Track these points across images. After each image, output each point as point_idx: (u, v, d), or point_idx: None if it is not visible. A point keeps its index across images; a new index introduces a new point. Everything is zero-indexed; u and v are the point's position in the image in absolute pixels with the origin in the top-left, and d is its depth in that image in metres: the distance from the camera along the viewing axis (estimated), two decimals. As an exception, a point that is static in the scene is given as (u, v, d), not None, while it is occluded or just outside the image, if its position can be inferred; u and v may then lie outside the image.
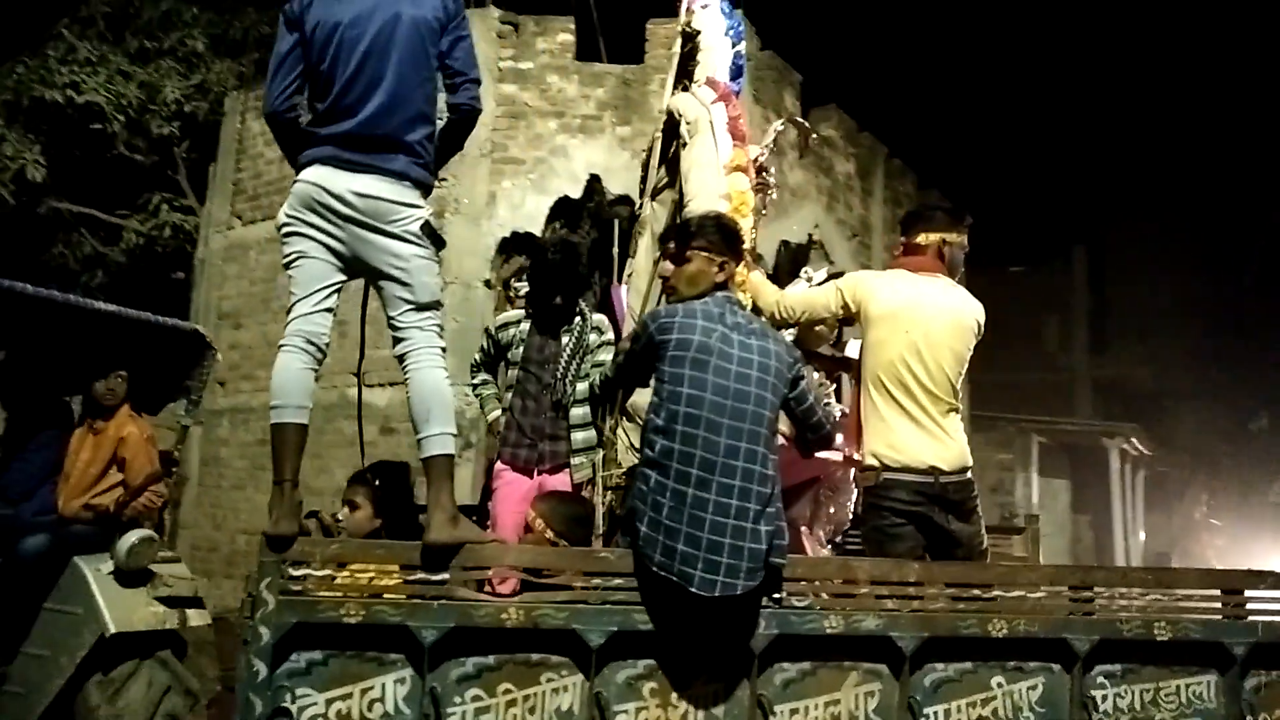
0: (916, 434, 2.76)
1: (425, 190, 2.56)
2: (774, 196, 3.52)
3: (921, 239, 2.94)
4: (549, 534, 2.75)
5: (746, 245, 3.16)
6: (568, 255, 3.33)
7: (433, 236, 2.52)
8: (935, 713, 2.57)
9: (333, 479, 7.47)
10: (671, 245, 2.57)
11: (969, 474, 2.86)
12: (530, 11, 8.68)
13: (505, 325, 3.58)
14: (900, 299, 2.82)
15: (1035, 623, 2.60)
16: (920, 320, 2.79)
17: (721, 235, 2.54)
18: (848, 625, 2.50)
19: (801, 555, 2.84)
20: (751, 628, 2.43)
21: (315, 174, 2.45)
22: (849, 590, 2.53)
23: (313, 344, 2.44)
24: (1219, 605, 2.76)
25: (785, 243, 8.72)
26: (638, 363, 2.52)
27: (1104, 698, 2.67)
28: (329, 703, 2.34)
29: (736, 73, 3.31)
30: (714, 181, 2.91)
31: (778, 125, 3.65)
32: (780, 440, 2.76)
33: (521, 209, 7.90)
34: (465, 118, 2.61)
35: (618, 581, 2.43)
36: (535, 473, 3.31)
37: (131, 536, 3.58)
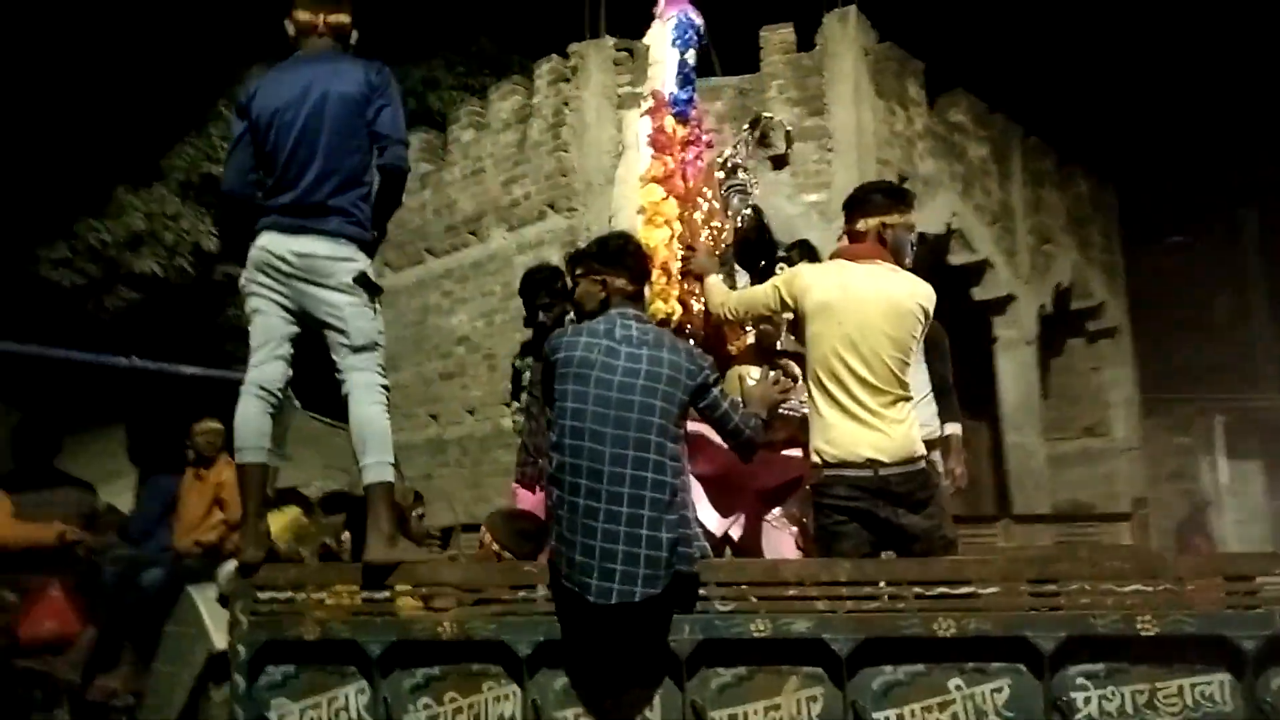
0: (853, 427, 2.64)
1: (361, 244, 2.80)
2: (755, 193, 3.48)
3: (860, 225, 2.82)
4: (495, 547, 2.90)
5: (702, 246, 3.18)
6: (547, 275, 3.48)
7: (368, 285, 2.77)
8: (886, 718, 2.46)
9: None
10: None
11: (919, 464, 2.69)
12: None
13: (523, 353, 3.79)
14: (834, 291, 2.71)
15: (987, 620, 2.43)
16: (853, 311, 2.68)
17: (601, 256, 2.59)
18: (776, 628, 2.46)
19: (757, 558, 2.78)
20: (667, 634, 2.45)
21: (263, 240, 2.77)
22: (777, 593, 2.49)
23: (267, 390, 2.75)
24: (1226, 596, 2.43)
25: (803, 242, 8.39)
26: (544, 384, 2.62)
27: (1085, 700, 2.43)
28: (302, 712, 2.63)
29: (685, 81, 3.30)
30: (631, 196, 2.94)
31: (745, 128, 3.58)
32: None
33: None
34: (392, 177, 2.84)
35: (542, 593, 2.54)
36: (536, 489, 3.47)
37: (228, 566, 4.11)
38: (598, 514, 2.37)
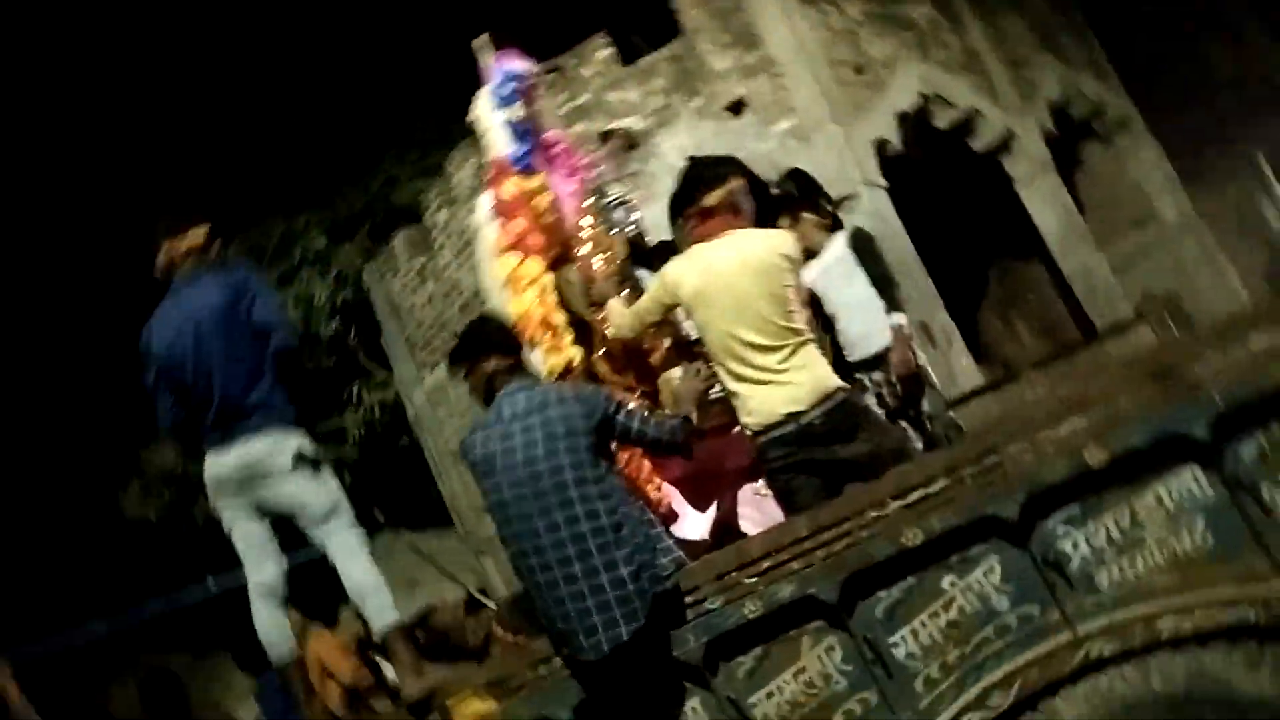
0: (765, 391, 2.72)
1: (287, 425, 3.04)
2: (633, 201, 3.57)
3: (708, 201, 2.91)
4: (509, 638, 3.08)
5: (598, 274, 3.31)
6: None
7: (309, 459, 3.01)
8: (903, 638, 2.52)
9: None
10: None
11: (836, 397, 2.75)
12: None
13: None
14: (700, 276, 2.80)
15: (948, 513, 2.47)
16: (724, 288, 2.76)
17: (464, 349, 2.75)
18: (767, 603, 2.55)
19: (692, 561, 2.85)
20: (673, 651, 2.57)
21: (207, 463, 3.04)
22: (747, 573, 2.58)
23: (271, 589, 3.01)
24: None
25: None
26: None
27: (1074, 546, 2.45)
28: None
29: (520, 134, 3.42)
30: (490, 273, 3.08)
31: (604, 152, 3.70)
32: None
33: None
34: (286, 357, 3.07)
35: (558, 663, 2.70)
36: None
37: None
38: (557, 585, 2.51)
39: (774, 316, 2.75)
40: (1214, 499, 2.37)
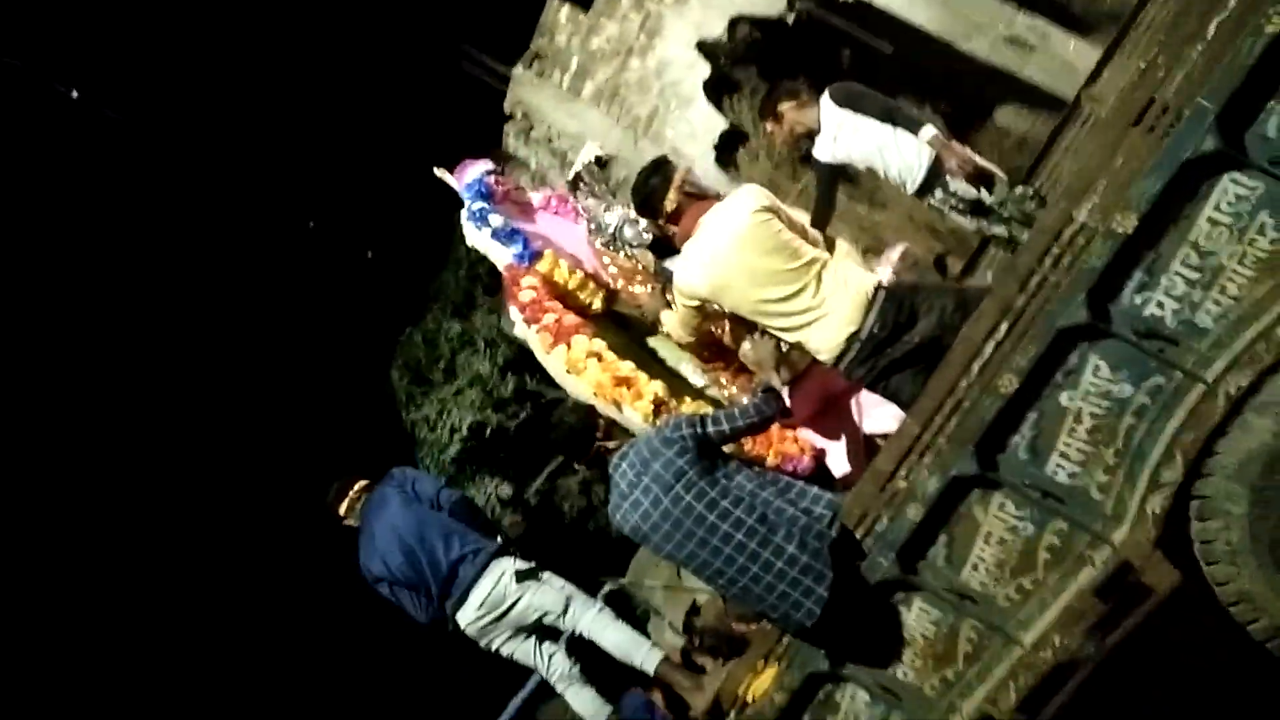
0: (814, 330, 2.84)
1: (491, 553, 3.56)
2: (620, 207, 3.73)
3: (668, 204, 3.04)
4: (749, 626, 3.36)
5: (641, 298, 3.54)
6: None
7: (524, 571, 3.51)
8: (1056, 465, 2.60)
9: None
10: None
11: (876, 295, 2.82)
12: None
13: None
14: (703, 271, 2.94)
15: (1028, 344, 2.50)
16: (728, 271, 2.89)
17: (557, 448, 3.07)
18: (924, 500, 2.71)
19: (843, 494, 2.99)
20: (872, 584, 2.80)
21: (461, 622, 3.60)
22: (891, 488, 2.74)
23: (570, 676, 3.54)
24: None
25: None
26: None
27: (1159, 306, 2.41)
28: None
29: (509, 234, 3.64)
30: (553, 371, 3.35)
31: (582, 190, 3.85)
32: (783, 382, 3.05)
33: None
34: (461, 503, 3.82)
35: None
36: None
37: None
38: (750, 590, 2.76)
39: (785, 265, 2.85)
40: (1264, 190, 2.25)
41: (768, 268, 2.86)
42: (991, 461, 2.64)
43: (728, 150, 7.00)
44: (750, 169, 6.93)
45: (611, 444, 3.16)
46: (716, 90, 7.04)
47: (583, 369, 3.19)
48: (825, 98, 4.08)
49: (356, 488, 3.80)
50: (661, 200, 3.05)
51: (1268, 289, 2.30)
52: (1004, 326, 2.52)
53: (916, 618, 2.86)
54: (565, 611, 3.45)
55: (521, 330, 3.44)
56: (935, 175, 3.99)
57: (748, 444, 3.17)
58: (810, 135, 4.08)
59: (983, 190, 3.99)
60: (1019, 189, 3.94)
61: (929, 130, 3.86)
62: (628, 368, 3.21)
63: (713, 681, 3.26)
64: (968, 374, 2.59)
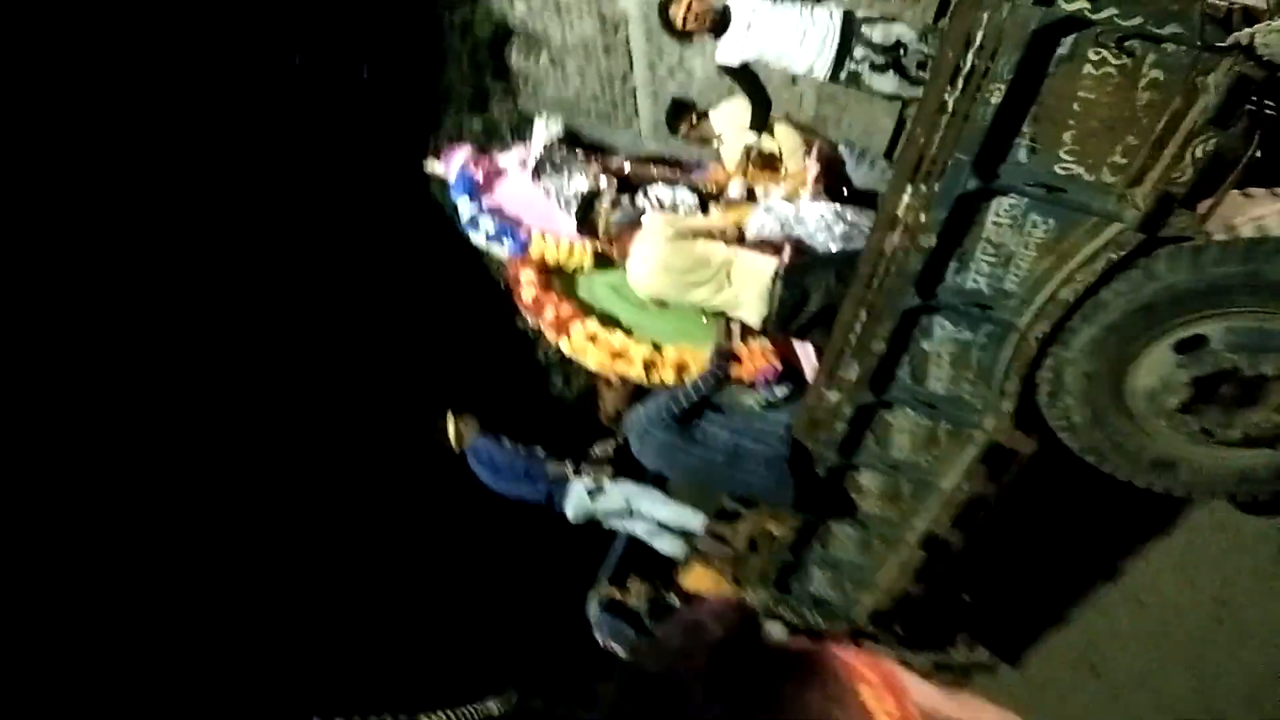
0: (741, 314, 3.63)
1: (565, 477, 4.81)
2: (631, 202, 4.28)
3: (606, 236, 3.74)
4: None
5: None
6: None
7: (593, 490, 4.76)
8: (938, 376, 3.38)
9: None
10: None
11: (772, 268, 3.52)
12: None
13: None
14: (643, 287, 3.79)
15: (886, 319, 3.19)
16: (658, 286, 3.72)
17: None
18: (847, 419, 3.59)
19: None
20: (818, 467, 3.80)
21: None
22: (824, 409, 3.62)
23: (655, 532, 4.89)
24: None
25: None
26: None
27: (974, 280, 3.00)
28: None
29: (500, 231, 4.29)
30: (568, 350, 4.20)
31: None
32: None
33: None
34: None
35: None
36: None
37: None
38: (730, 485, 3.90)
39: (699, 277, 3.56)
40: (1028, 200, 2.73)
41: (687, 280, 3.58)
42: (884, 387, 3.45)
43: None
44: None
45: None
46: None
47: (585, 354, 4.10)
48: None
49: (462, 425, 4.96)
50: (595, 228, 3.73)
51: (1049, 263, 2.85)
52: (862, 313, 3.22)
53: (867, 481, 3.89)
54: (629, 506, 4.69)
55: (533, 322, 4.33)
56: (849, 29, 4.17)
57: (734, 370, 4.06)
58: (721, 18, 4.25)
59: (899, 26, 4.19)
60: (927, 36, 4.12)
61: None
62: (619, 340, 4.08)
63: (745, 527, 4.49)
64: (851, 336, 3.33)
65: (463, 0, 8.02)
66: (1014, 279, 2.95)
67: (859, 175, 4.64)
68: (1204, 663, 4.02)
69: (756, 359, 4.10)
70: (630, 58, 7.61)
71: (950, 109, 2.60)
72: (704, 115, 5.02)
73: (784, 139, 4.63)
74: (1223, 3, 2.16)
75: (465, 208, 4.45)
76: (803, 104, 6.53)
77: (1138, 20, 2.27)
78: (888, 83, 4.24)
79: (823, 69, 4.20)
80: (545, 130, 4.47)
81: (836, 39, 4.17)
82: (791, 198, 4.09)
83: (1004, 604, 4.71)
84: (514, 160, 4.68)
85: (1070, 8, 2.29)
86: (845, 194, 4.44)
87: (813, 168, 4.12)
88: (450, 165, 4.60)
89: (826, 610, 4.50)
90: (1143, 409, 3.02)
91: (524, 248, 4.36)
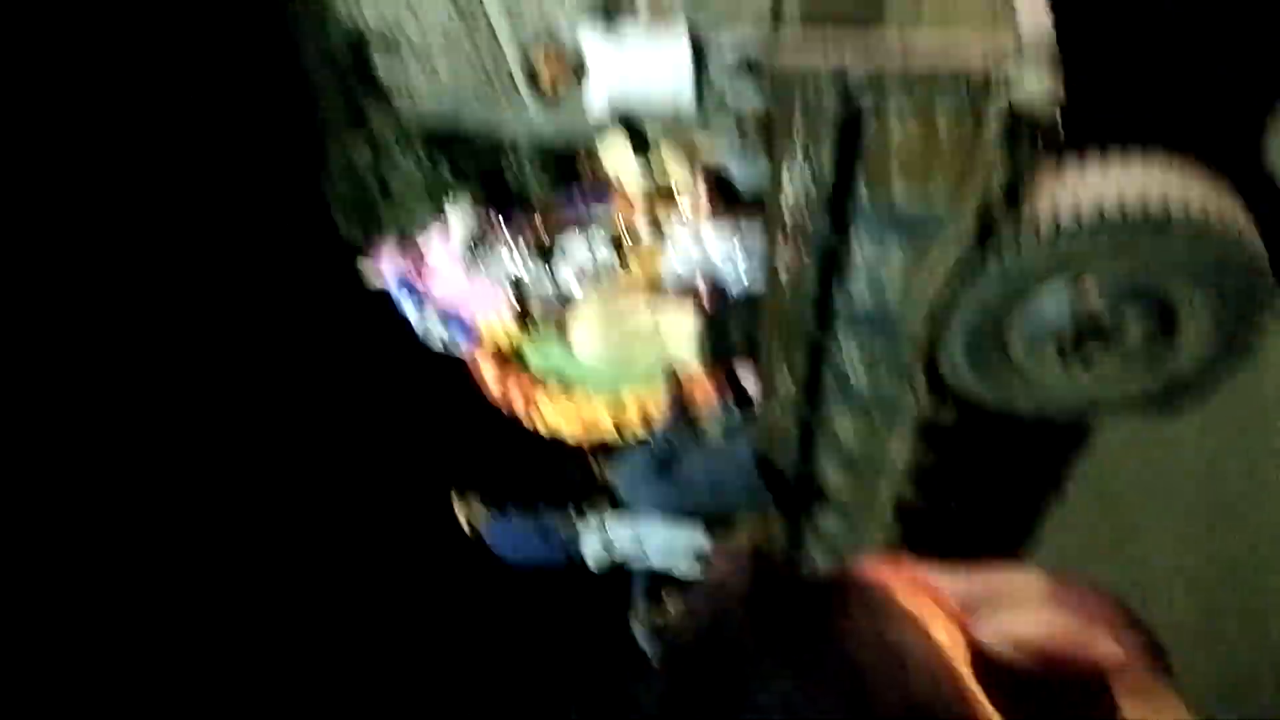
0: (684, 363, 4.09)
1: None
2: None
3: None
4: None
5: None
6: None
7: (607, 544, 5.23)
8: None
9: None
10: None
11: (700, 323, 3.95)
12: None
13: None
14: (592, 361, 4.18)
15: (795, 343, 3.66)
16: (606, 358, 4.11)
17: None
18: (798, 424, 4.07)
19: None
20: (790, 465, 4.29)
21: None
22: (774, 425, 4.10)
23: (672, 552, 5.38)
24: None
25: None
26: None
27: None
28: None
29: (456, 333, 4.81)
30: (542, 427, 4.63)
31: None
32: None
33: None
34: None
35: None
36: None
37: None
38: (713, 507, 4.38)
39: (636, 343, 4.03)
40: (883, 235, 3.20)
41: (626, 348, 4.06)
42: (816, 397, 3.92)
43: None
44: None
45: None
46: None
47: (559, 428, 4.57)
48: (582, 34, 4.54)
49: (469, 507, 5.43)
50: (536, 321, 4.20)
51: (917, 276, 3.31)
52: (776, 344, 3.69)
53: (830, 472, 4.38)
54: (641, 546, 5.13)
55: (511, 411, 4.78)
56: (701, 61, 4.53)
57: (688, 404, 4.53)
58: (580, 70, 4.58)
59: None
60: None
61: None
62: (587, 409, 4.56)
63: (744, 537, 4.98)
64: (775, 361, 3.80)
65: (313, 28, 7.84)
66: (892, 294, 3.42)
67: (746, 176, 5.02)
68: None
69: (706, 389, 4.58)
70: (494, 32, 7.44)
71: (788, 183, 3.06)
72: (594, 157, 5.42)
73: (673, 168, 5.01)
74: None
75: (413, 315, 4.84)
76: None
77: (919, 94, 2.73)
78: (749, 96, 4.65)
79: (687, 100, 4.59)
80: (460, 219, 4.80)
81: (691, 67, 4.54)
82: (691, 228, 4.49)
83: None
84: (437, 246, 4.98)
85: (863, 100, 2.76)
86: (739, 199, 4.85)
87: (702, 193, 4.49)
88: (384, 268, 4.98)
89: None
90: (1025, 361, 3.52)
91: (477, 338, 4.78)
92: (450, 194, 7.33)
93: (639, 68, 4.52)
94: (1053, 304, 3.26)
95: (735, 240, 4.29)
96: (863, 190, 3.06)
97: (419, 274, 4.96)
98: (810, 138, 2.94)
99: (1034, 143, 2.81)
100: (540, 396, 4.59)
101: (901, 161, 2.97)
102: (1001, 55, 2.62)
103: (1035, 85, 2.60)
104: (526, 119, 7.51)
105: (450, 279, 4.92)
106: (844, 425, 4.09)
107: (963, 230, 3.06)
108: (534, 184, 7.98)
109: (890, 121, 2.85)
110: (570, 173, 5.55)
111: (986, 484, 4.82)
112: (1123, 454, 4.70)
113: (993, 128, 2.77)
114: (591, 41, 4.39)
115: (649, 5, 4.42)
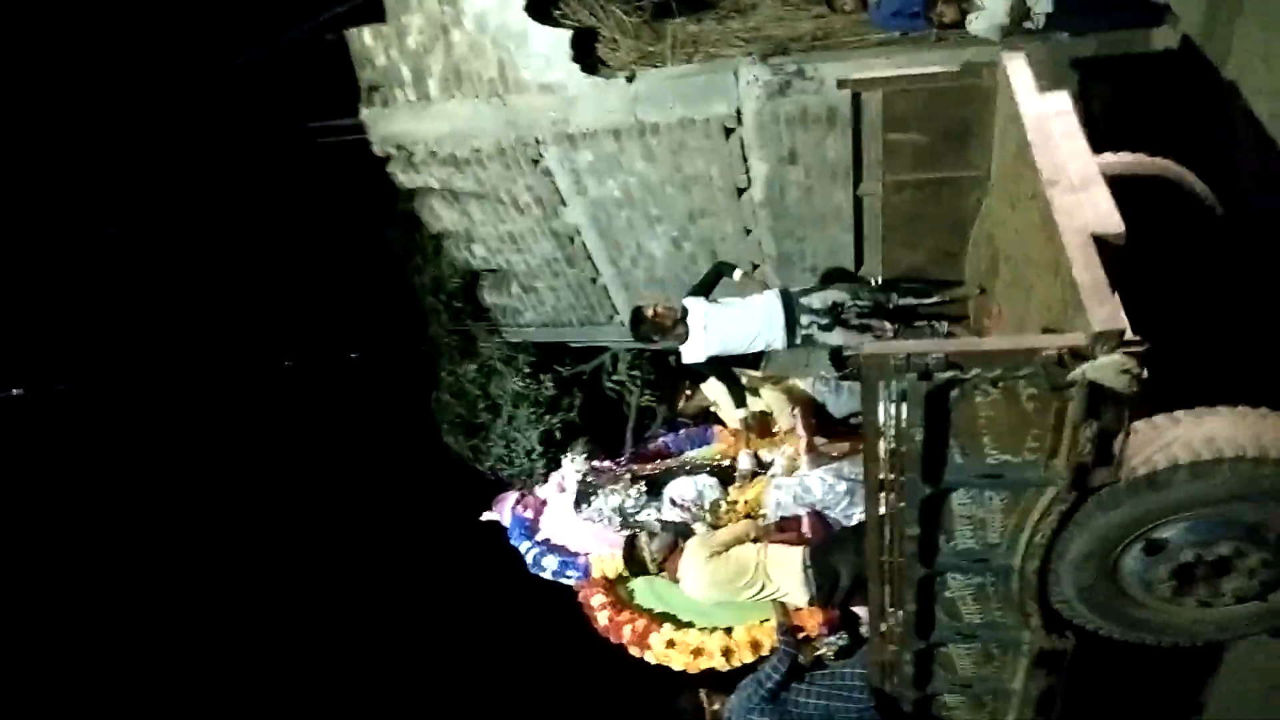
0: (787, 598, 4.21)
1: None
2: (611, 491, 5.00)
3: (654, 565, 4.39)
4: None
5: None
6: None
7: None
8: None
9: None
10: None
11: (805, 560, 4.10)
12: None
13: None
14: (702, 596, 4.35)
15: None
16: (712, 593, 4.27)
17: None
18: (912, 661, 4.10)
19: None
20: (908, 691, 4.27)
21: None
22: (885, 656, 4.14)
23: None
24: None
25: None
26: None
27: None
28: None
29: (561, 566, 5.08)
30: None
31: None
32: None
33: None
34: None
35: None
36: None
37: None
38: None
39: (742, 579, 4.25)
40: (978, 487, 3.35)
41: (734, 587, 4.20)
42: (929, 631, 3.96)
43: (585, 54, 6.73)
44: (614, 57, 6.82)
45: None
46: (540, 7, 6.76)
47: (668, 659, 4.68)
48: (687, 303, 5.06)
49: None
50: (646, 569, 4.39)
51: (1015, 519, 3.42)
52: (885, 587, 3.79)
53: (950, 701, 4.35)
54: None
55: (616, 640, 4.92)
56: (790, 304, 4.95)
57: (800, 635, 4.57)
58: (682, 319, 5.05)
59: (831, 291, 4.96)
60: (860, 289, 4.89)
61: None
62: (695, 638, 4.65)
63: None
64: (885, 602, 3.88)
65: (427, 261, 8.83)
66: (994, 535, 3.52)
67: (839, 405, 5.29)
68: None
69: (816, 618, 4.64)
70: (592, 261, 8.25)
71: (889, 449, 3.26)
72: (695, 389, 5.78)
73: (769, 400, 5.31)
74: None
75: (527, 551, 5.12)
76: (763, 249, 7.21)
77: (998, 372, 2.94)
78: (836, 336, 4.96)
79: (779, 341, 4.95)
80: (572, 466, 5.16)
81: (782, 315, 4.93)
82: (791, 469, 4.73)
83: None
84: (553, 491, 5.35)
85: (944, 377, 2.97)
86: (835, 429, 5.09)
87: (802, 437, 4.76)
88: (503, 512, 5.32)
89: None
90: (1143, 597, 3.54)
91: (586, 572, 4.99)
92: (558, 431, 8.00)
93: (735, 320, 4.94)
94: (1161, 545, 3.32)
95: (835, 472, 4.48)
96: (953, 447, 3.23)
97: (535, 511, 5.25)
98: (899, 408, 3.15)
99: (1120, 407, 2.96)
100: (651, 633, 4.72)
101: (990, 428, 3.15)
102: (1075, 345, 2.82)
103: (1111, 367, 2.78)
104: (621, 333, 8.08)
105: (563, 517, 5.19)
106: (959, 654, 4.10)
107: (1058, 480, 3.18)
108: (634, 398, 8.48)
109: (974, 395, 3.05)
110: (667, 373, 5.87)
111: (1114, 707, 4.68)
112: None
113: (1075, 401, 2.94)
114: (694, 304, 4.84)
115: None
